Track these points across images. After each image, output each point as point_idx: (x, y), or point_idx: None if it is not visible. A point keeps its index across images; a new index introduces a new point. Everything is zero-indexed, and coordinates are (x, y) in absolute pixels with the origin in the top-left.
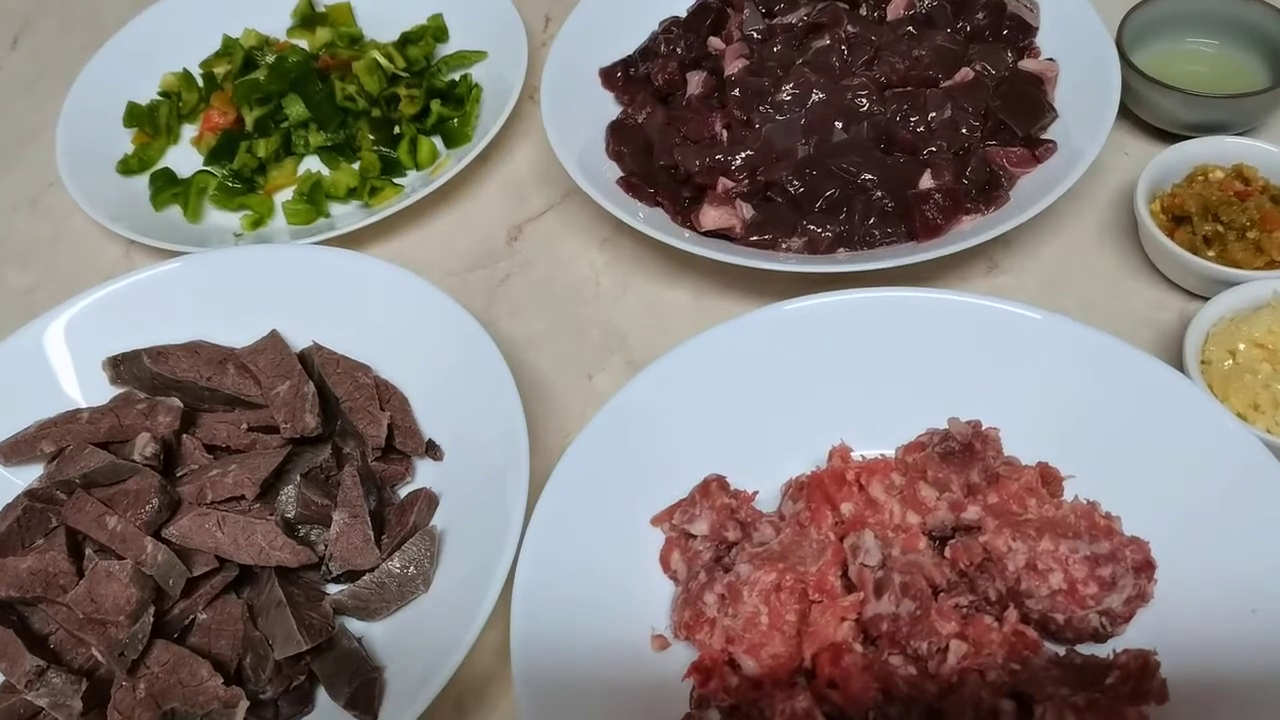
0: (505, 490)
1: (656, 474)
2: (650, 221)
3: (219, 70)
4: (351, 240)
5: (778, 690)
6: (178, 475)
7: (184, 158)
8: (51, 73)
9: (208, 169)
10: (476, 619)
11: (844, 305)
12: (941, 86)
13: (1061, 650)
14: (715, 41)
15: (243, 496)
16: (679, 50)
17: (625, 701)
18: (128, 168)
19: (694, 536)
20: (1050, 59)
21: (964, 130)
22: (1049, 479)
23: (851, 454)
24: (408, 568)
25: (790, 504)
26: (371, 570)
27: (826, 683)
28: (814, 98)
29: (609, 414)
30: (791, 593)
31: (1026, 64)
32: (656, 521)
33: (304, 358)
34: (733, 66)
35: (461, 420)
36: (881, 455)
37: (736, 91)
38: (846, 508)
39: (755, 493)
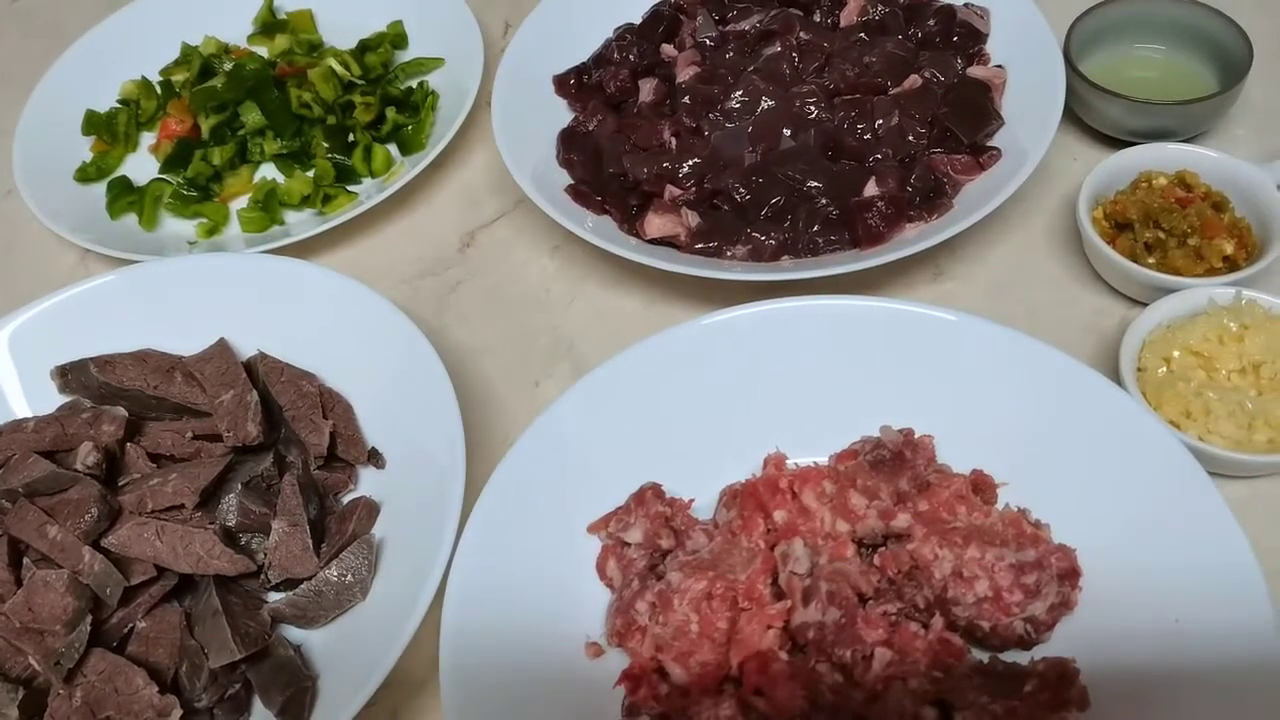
0: (443, 498)
1: (595, 482)
2: (598, 230)
3: (177, 78)
4: (306, 248)
5: (705, 698)
6: (120, 484)
7: (142, 166)
8: (12, 80)
9: (163, 177)
10: (408, 626)
11: (778, 314)
12: (890, 94)
13: (986, 658)
14: (668, 48)
15: (183, 505)
16: (632, 57)
17: (558, 708)
18: (86, 176)
19: (629, 544)
20: (999, 66)
21: (910, 138)
22: (982, 486)
23: (787, 462)
24: (345, 576)
25: (724, 511)
26: (310, 579)
27: (753, 690)
28: (763, 105)
29: (546, 422)
30: (722, 600)
31: (975, 71)
32: (593, 529)
33: (249, 366)
34: (684, 73)
35: (404, 428)
36: (816, 463)
37: (687, 99)
38: (779, 515)
39: (692, 500)
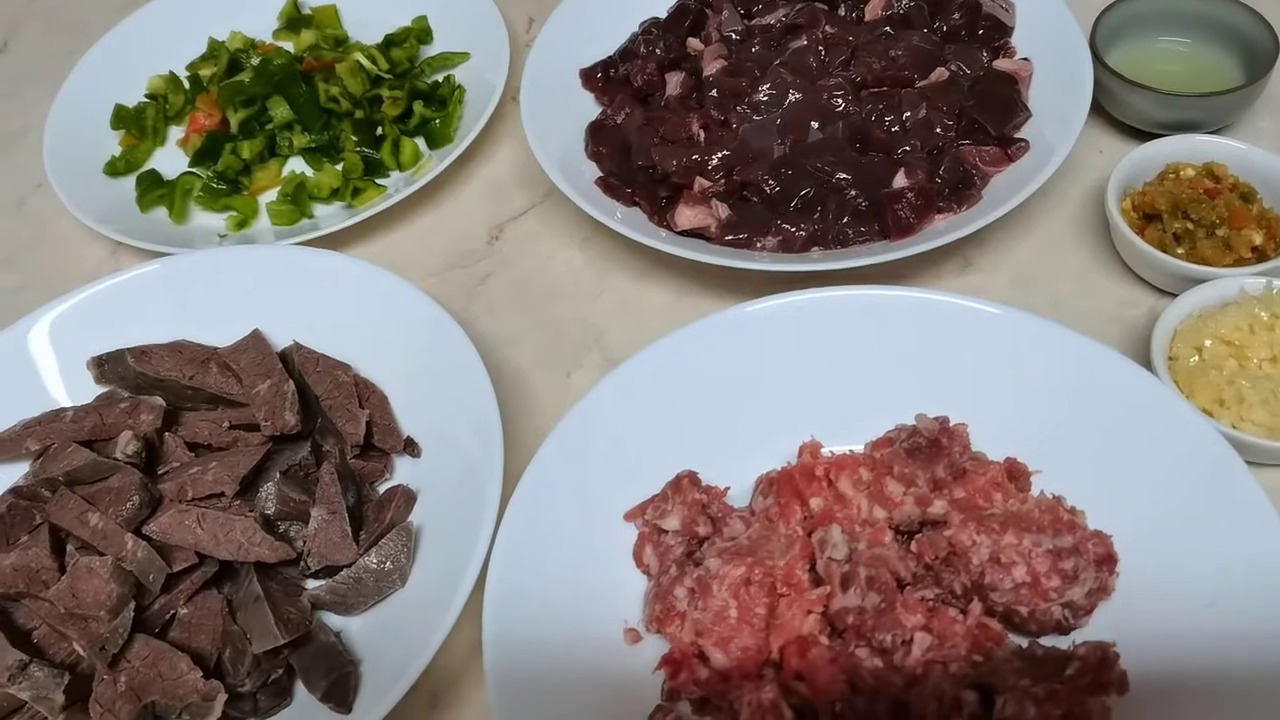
0: (480, 486)
1: (630, 471)
2: (628, 221)
3: (205, 73)
4: (334, 240)
5: (746, 682)
6: (159, 473)
7: (170, 160)
8: (37, 78)
9: (193, 170)
10: (449, 614)
11: (813, 304)
12: (917, 86)
13: (1024, 642)
14: (694, 42)
15: (222, 493)
16: (658, 51)
17: (597, 693)
18: (115, 169)
19: (666, 531)
20: (1025, 59)
21: (938, 130)
22: (1016, 474)
23: (821, 450)
24: (384, 563)
25: (760, 499)
26: (349, 566)
27: (793, 674)
28: (790, 98)
29: (582, 411)
30: (760, 586)
31: (1001, 63)
32: (630, 517)
33: (284, 357)
34: (711, 67)
35: (439, 417)
36: (851, 451)
37: (714, 92)
38: (815, 503)
39: (727, 488)
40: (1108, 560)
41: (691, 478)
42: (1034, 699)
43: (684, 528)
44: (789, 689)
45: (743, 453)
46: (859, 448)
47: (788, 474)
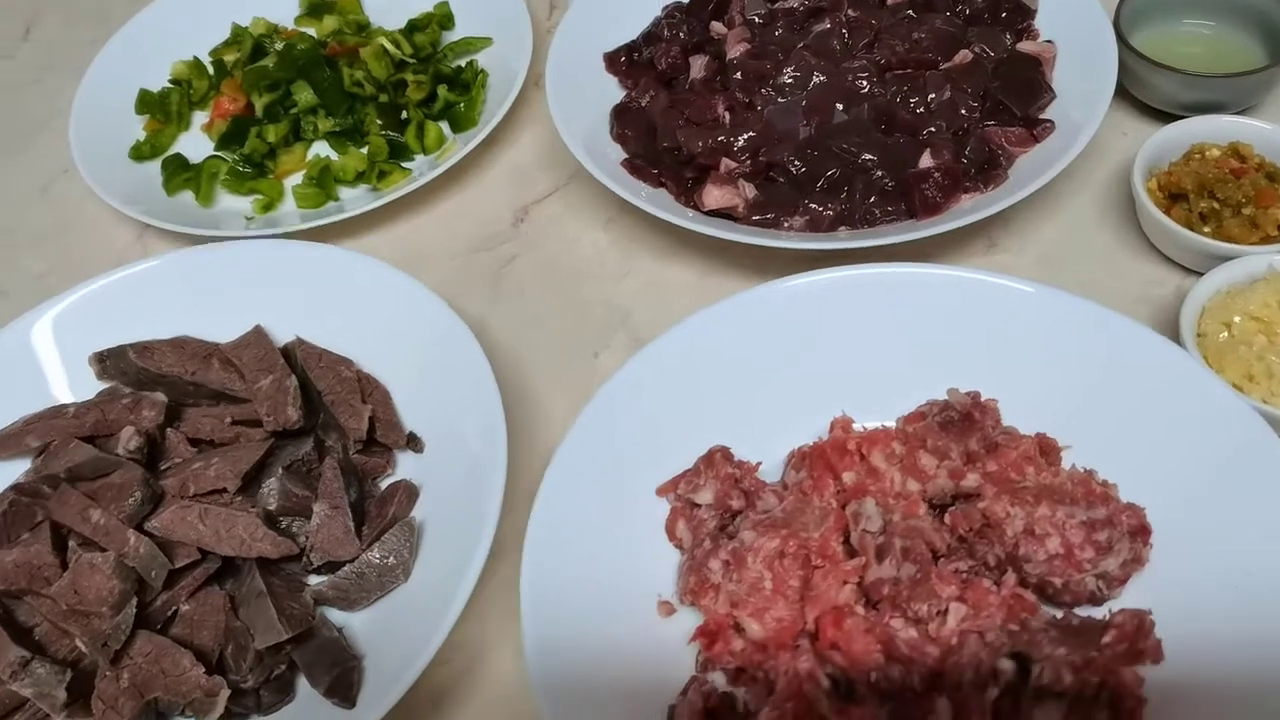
0: (483, 481)
1: (661, 447)
2: (654, 202)
3: (229, 58)
4: (360, 224)
5: (781, 653)
6: (162, 469)
7: (194, 145)
8: (61, 64)
9: (219, 154)
10: (453, 608)
11: (844, 281)
12: (941, 69)
13: (1059, 613)
14: (717, 26)
15: (225, 489)
16: (681, 35)
17: (632, 665)
18: (140, 154)
19: (699, 505)
20: (1049, 41)
21: (963, 111)
22: (1047, 449)
23: (853, 425)
24: (387, 558)
25: (793, 473)
26: (351, 561)
27: (829, 645)
28: (815, 80)
29: (614, 388)
30: (795, 558)
31: (1025, 46)
32: (662, 491)
33: (287, 352)
34: (734, 50)
35: (442, 412)
36: (883, 426)
37: (738, 75)
38: (848, 476)
39: (759, 464)
40: (1141, 531)
41: (724, 452)
42: (1071, 666)
43: (717, 501)
44: (824, 659)
45: (774, 429)
46: (889, 423)
47: (820, 448)
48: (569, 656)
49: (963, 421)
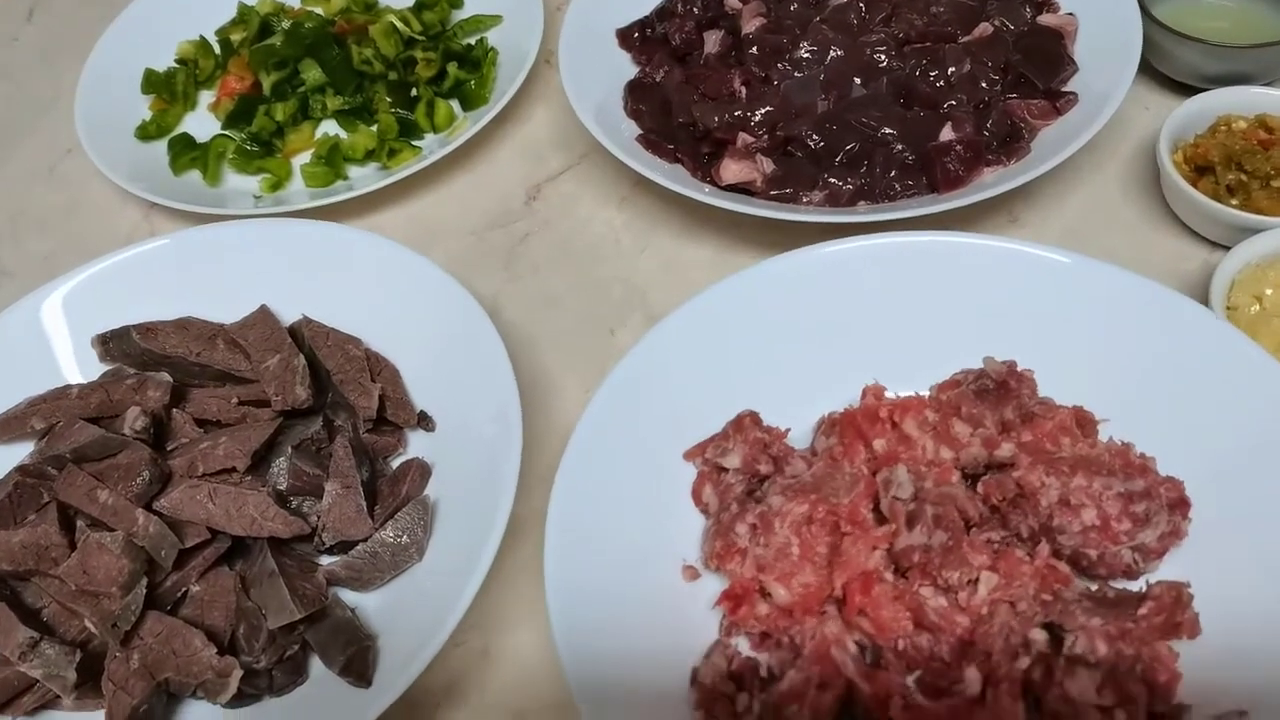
0: (498, 459)
1: (687, 416)
2: (670, 177)
3: (235, 37)
4: (370, 202)
5: (807, 617)
6: (168, 449)
7: (201, 125)
8: (65, 45)
9: (226, 133)
10: (469, 587)
11: (872, 250)
12: (960, 42)
13: (1093, 586)
14: (732, 1)
15: (234, 469)
16: (695, 10)
17: (656, 628)
18: (146, 133)
19: (726, 470)
20: (1070, 14)
21: (984, 84)
22: (1083, 422)
23: (885, 393)
24: (401, 537)
25: (823, 439)
26: (364, 541)
27: (856, 611)
28: (832, 54)
29: (638, 358)
30: (823, 525)
31: (1045, 19)
32: (689, 456)
33: (294, 331)
34: (750, 25)
35: (453, 390)
36: (915, 395)
37: (754, 49)
38: (879, 444)
39: (788, 430)
40: (1180, 504)
41: (753, 417)
42: (1106, 637)
43: (745, 466)
44: (852, 625)
45: (803, 397)
46: (923, 393)
47: (850, 415)
48: (593, 623)
49: (998, 390)
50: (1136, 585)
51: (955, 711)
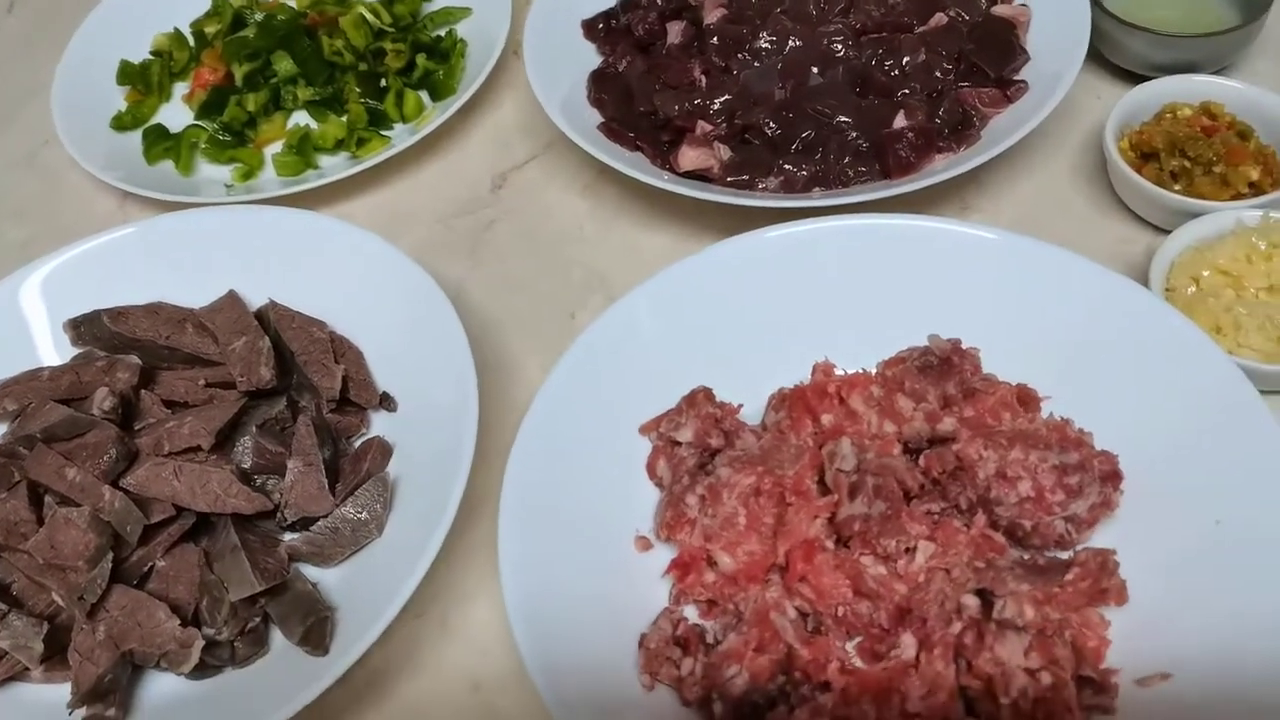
0: (456, 437)
1: (644, 392)
2: (631, 165)
3: (209, 29)
4: (340, 190)
5: (751, 585)
6: (136, 429)
7: (176, 116)
8: (44, 37)
9: (199, 123)
10: (424, 557)
11: (826, 232)
12: (916, 32)
13: (1027, 555)
14: None
15: (199, 447)
16: (659, 1)
17: (608, 597)
18: (121, 124)
19: (679, 444)
20: (1023, 4)
21: (937, 73)
22: (1026, 399)
23: (834, 370)
24: (360, 513)
25: (772, 414)
26: (325, 517)
27: (798, 578)
28: (791, 44)
29: (599, 331)
30: (769, 496)
31: (999, 9)
32: (645, 430)
33: (260, 315)
34: (712, 16)
35: (414, 372)
36: (864, 370)
37: (715, 40)
38: (826, 418)
39: (740, 405)
40: (1113, 476)
41: (706, 393)
42: (1033, 601)
43: (697, 440)
44: (793, 592)
45: (757, 374)
46: (872, 371)
47: (800, 391)
48: (546, 594)
49: (942, 366)
50: (1071, 553)
51: (890, 675)
